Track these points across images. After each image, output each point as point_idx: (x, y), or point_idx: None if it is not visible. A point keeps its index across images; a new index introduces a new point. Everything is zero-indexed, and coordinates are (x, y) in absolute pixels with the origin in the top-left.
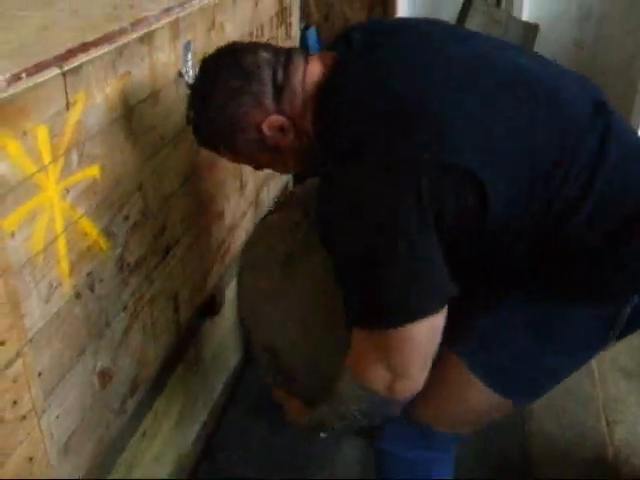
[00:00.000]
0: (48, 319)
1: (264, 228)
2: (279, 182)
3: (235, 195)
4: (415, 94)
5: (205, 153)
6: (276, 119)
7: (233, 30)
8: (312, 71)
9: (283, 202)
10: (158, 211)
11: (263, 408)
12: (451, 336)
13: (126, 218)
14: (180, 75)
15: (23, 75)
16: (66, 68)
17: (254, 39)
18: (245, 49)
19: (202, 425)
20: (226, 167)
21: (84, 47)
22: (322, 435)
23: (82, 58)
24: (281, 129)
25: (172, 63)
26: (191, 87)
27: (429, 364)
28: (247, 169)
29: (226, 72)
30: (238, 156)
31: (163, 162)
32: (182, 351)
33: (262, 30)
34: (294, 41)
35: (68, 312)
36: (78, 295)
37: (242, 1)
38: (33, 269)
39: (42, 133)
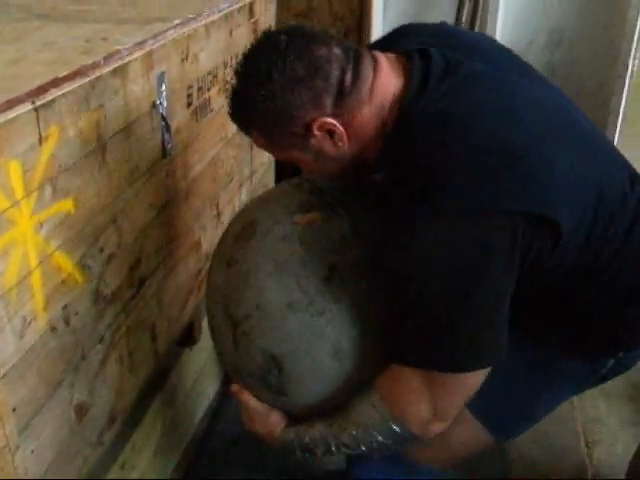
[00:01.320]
0: (22, 354)
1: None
2: None
3: (212, 224)
4: (506, 135)
5: (181, 184)
6: (330, 122)
7: (207, 59)
8: (384, 82)
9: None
10: (133, 242)
11: (243, 438)
12: None
13: (101, 250)
14: (154, 106)
15: None
16: (38, 103)
17: (228, 68)
18: (319, 39)
19: (181, 455)
20: (202, 196)
21: (56, 82)
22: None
23: (54, 93)
24: (331, 134)
25: (146, 95)
26: (247, 55)
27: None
28: (223, 198)
29: (293, 56)
30: (272, 145)
31: (138, 194)
32: (160, 381)
33: (237, 59)
34: None
35: (43, 346)
36: (53, 329)
37: (216, 31)
38: (7, 304)
39: (15, 168)
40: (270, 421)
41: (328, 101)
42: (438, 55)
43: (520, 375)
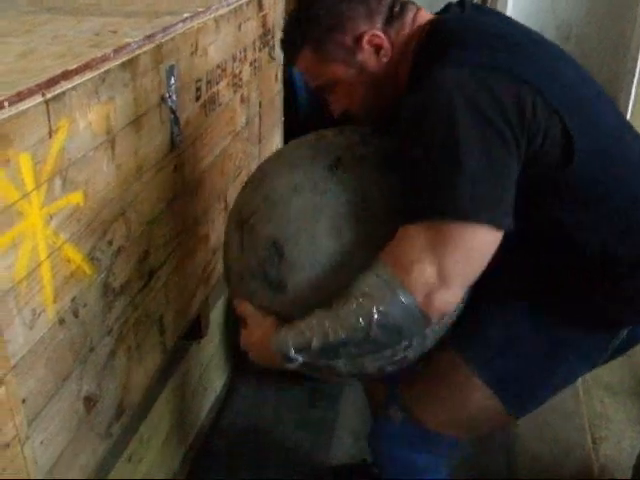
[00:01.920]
0: (32, 345)
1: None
2: None
3: (220, 217)
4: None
5: (190, 177)
6: (380, 36)
7: (216, 53)
8: (422, 15)
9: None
10: (142, 235)
11: (250, 430)
12: (459, 340)
13: (110, 243)
14: (163, 100)
15: (5, 104)
16: (49, 96)
17: (237, 62)
18: None
19: (188, 447)
20: (211, 189)
21: (67, 74)
22: (292, 365)
23: (65, 85)
24: (378, 49)
25: (155, 88)
26: None
27: (468, 285)
28: (232, 192)
29: None
30: (318, 60)
31: (146, 186)
32: (168, 374)
33: (245, 52)
34: (277, 63)
35: (52, 338)
36: (62, 321)
37: (225, 24)
38: (17, 296)
39: (25, 160)
40: (265, 323)
41: (379, 19)
42: (470, 7)
43: (535, 347)
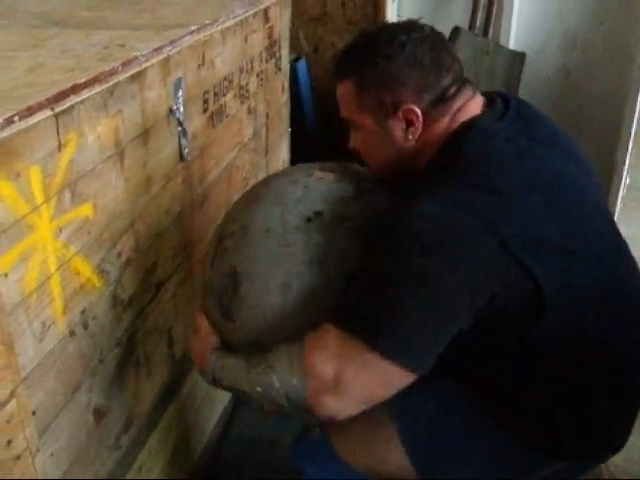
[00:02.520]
0: (42, 358)
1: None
2: None
3: None
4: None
5: (198, 189)
6: (417, 115)
7: (223, 65)
8: (471, 107)
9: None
10: (150, 247)
11: (258, 442)
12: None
13: (119, 255)
14: (171, 112)
15: (16, 118)
16: (58, 110)
17: (244, 74)
18: (451, 50)
19: (197, 460)
20: (218, 201)
21: (75, 88)
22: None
23: (74, 99)
24: (409, 125)
25: (163, 100)
26: (388, 24)
27: (364, 404)
28: None
29: (429, 45)
30: (354, 100)
31: (155, 199)
32: (176, 385)
33: (252, 64)
34: (284, 74)
35: (62, 350)
36: (72, 333)
37: (232, 36)
38: (27, 308)
39: (35, 174)
40: (208, 339)
41: (427, 97)
42: (512, 114)
43: (460, 429)
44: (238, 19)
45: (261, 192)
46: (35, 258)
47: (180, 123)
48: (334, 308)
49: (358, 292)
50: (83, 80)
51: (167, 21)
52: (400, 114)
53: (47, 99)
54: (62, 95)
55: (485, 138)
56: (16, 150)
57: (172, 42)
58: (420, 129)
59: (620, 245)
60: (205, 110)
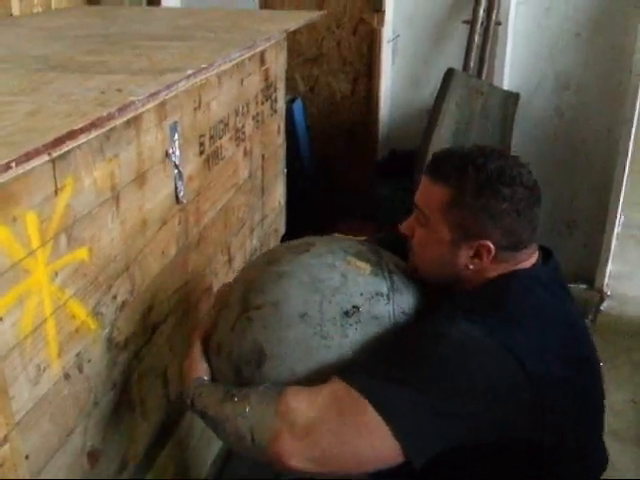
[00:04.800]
0: (36, 401)
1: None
2: None
3: (223, 269)
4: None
5: (194, 230)
6: (490, 252)
7: (219, 108)
8: (530, 260)
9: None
10: (146, 290)
11: None
12: None
13: (114, 298)
14: (167, 155)
15: (13, 164)
16: (55, 155)
17: (240, 116)
18: (540, 201)
19: None
20: (214, 242)
21: (72, 134)
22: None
23: (70, 144)
24: (476, 257)
25: (159, 144)
26: (510, 159)
27: (312, 466)
28: (235, 244)
29: (532, 197)
30: (438, 210)
31: (151, 241)
32: (172, 426)
33: (248, 107)
34: (280, 116)
35: (57, 393)
36: (67, 376)
37: (228, 80)
38: (22, 352)
39: (31, 218)
40: (198, 367)
41: (505, 242)
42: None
43: None
44: (234, 62)
45: (292, 270)
46: (31, 302)
47: (176, 166)
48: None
49: (381, 361)
50: (80, 125)
51: (164, 65)
52: (475, 244)
53: (44, 145)
54: (59, 141)
55: (534, 286)
56: (13, 195)
57: (168, 86)
58: (485, 265)
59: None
60: (201, 153)
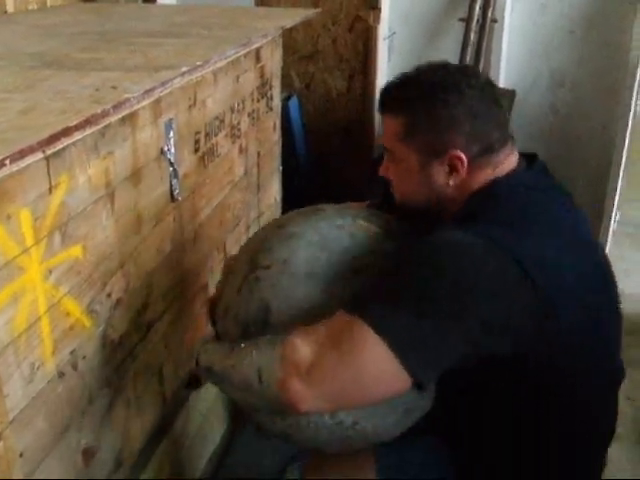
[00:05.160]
0: (31, 399)
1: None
2: None
3: (219, 266)
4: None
5: (189, 228)
6: (463, 162)
7: (214, 105)
8: (508, 161)
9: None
10: (141, 287)
11: None
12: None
13: (109, 296)
14: (162, 153)
15: (7, 162)
16: (49, 152)
17: (235, 113)
18: (500, 99)
19: None
20: (210, 240)
21: (67, 131)
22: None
23: (65, 142)
24: (453, 169)
25: (154, 141)
26: (449, 64)
27: (324, 406)
28: (230, 241)
29: (485, 94)
30: (402, 138)
31: (146, 239)
32: (167, 425)
33: (243, 104)
34: (275, 113)
35: (51, 391)
36: (61, 374)
37: (223, 77)
38: (16, 350)
39: (25, 216)
40: (205, 329)
41: (476, 147)
42: (539, 174)
43: None
44: (230, 59)
45: (302, 230)
46: (25, 299)
47: (171, 163)
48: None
49: (375, 288)
50: (75, 123)
51: (159, 62)
52: (446, 159)
53: (38, 142)
54: (54, 138)
55: (521, 189)
56: (7, 192)
57: (163, 84)
58: (463, 176)
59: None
60: (196, 150)
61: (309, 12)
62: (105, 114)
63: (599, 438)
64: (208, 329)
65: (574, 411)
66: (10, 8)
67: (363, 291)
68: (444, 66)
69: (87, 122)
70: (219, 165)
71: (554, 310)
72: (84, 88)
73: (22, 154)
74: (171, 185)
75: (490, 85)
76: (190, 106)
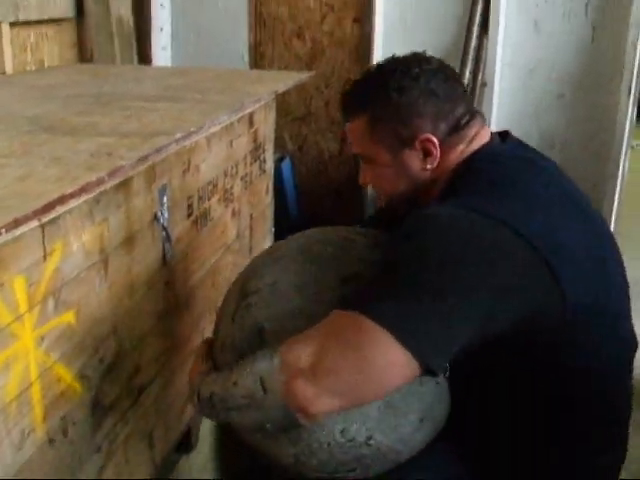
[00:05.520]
0: (20, 466)
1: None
2: None
3: (210, 329)
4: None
5: (181, 291)
6: (434, 144)
7: (208, 170)
8: (481, 135)
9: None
10: (132, 351)
11: None
12: None
13: (101, 360)
14: (155, 218)
15: (2, 231)
16: (44, 220)
17: (228, 177)
18: (458, 77)
19: None
20: (202, 303)
21: (62, 199)
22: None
23: (60, 210)
24: (427, 155)
25: (148, 207)
26: (396, 57)
27: (334, 403)
28: None
29: (441, 76)
30: (367, 135)
31: (138, 303)
32: None
33: (236, 168)
34: (268, 175)
35: (41, 458)
36: (51, 440)
37: (217, 142)
38: (6, 417)
39: (19, 283)
40: (203, 366)
41: (443, 126)
42: (513, 144)
43: None
44: (223, 125)
45: (288, 252)
46: (17, 367)
47: (164, 228)
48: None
49: (373, 282)
50: (70, 191)
51: (153, 128)
52: (417, 144)
53: (34, 211)
54: (49, 206)
55: (499, 159)
56: (2, 260)
57: (158, 150)
58: (438, 157)
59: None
60: (189, 214)
61: (302, 75)
62: (100, 182)
63: (615, 415)
64: (206, 365)
65: (588, 386)
66: (9, 69)
67: (355, 294)
68: (392, 57)
69: (82, 190)
70: (212, 229)
71: (555, 273)
72: (79, 154)
73: (17, 223)
74: (164, 249)
75: (445, 66)
76: (184, 171)
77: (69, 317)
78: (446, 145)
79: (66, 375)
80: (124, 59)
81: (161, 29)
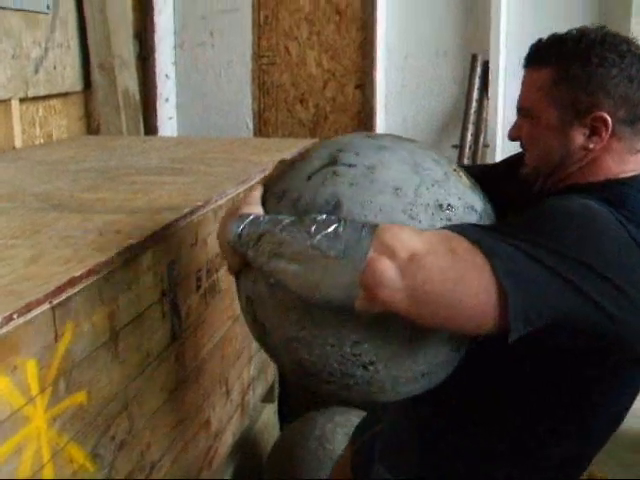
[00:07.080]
0: None
1: None
2: (264, 384)
3: (221, 401)
4: None
5: (191, 365)
6: (608, 123)
7: (215, 242)
8: None
9: None
10: (144, 427)
11: None
12: None
13: (113, 438)
14: (164, 294)
15: (15, 316)
16: (55, 302)
17: None
18: None
19: None
20: (212, 375)
21: (72, 281)
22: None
23: (70, 292)
24: (593, 133)
25: (157, 283)
26: (609, 31)
27: (413, 304)
28: (232, 375)
29: None
30: (547, 89)
31: (148, 380)
32: None
33: None
34: None
35: None
36: None
37: (223, 213)
38: None
39: (31, 366)
40: (249, 210)
41: (623, 113)
42: None
43: None
44: (229, 197)
45: (396, 147)
46: (29, 449)
47: (173, 303)
48: None
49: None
50: (79, 273)
51: (161, 203)
52: (589, 120)
53: (45, 295)
54: (59, 290)
55: None
56: (14, 345)
57: (165, 227)
58: (604, 141)
59: None
60: (198, 288)
61: (306, 142)
62: (109, 262)
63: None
64: (255, 210)
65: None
66: (18, 144)
67: (473, 228)
68: (603, 27)
69: (91, 271)
70: (220, 301)
71: None
72: (88, 233)
73: (29, 307)
74: (173, 324)
75: None
76: (191, 245)
77: (81, 397)
78: (616, 134)
79: (78, 455)
80: (131, 130)
81: (167, 100)
